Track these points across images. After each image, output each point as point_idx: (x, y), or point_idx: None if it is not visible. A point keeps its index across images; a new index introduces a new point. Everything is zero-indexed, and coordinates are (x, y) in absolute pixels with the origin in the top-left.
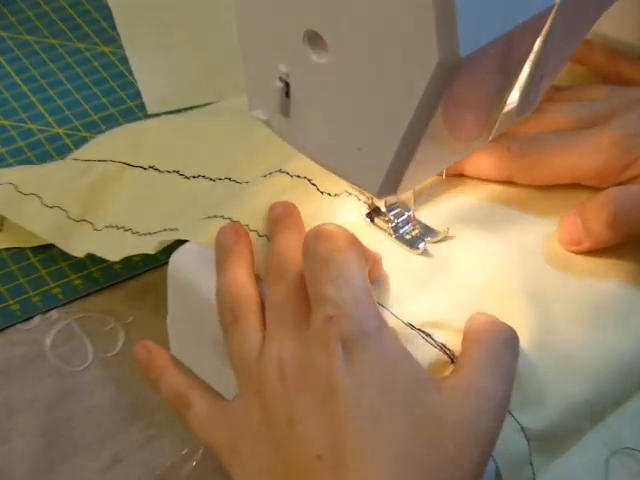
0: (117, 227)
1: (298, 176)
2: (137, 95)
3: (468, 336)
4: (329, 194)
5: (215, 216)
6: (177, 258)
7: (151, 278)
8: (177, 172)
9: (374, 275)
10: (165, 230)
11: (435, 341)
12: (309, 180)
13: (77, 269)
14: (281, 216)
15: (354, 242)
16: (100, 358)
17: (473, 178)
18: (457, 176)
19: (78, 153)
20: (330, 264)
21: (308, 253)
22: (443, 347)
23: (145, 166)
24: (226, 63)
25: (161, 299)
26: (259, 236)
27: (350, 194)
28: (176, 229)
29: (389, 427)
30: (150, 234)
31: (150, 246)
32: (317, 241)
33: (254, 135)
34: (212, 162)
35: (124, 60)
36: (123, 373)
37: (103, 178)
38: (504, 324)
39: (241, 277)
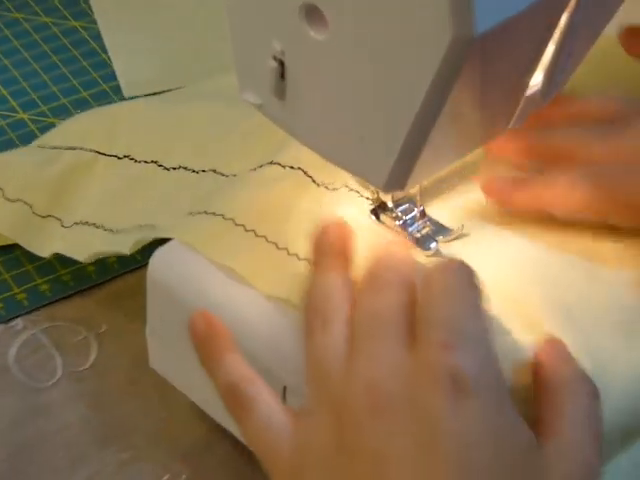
0: (88, 224)
1: (292, 167)
2: (112, 76)
3: (556, 388)
4: (327, 187)
5: (200, 212)
6: (158, 259)
7: (128, 282)
8: (156, 163)
9: None
10: (141, 227)
11: None
12: (304, 172)
13: (44, 272)
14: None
15: (477, 278)
16: (70, 372)
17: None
18: (540, 216)
19: (44, 139)
20: (456, 294)
21: (430, 282)
22: None
23: (120, 155)
24: (213, 40)
25: (139, 306)
26: (245, 231)
27: (351, 190)
28: (153, 226)
29: None
30: (125, 231)
31: (125, 246)
32: (443, 272)
33: (243, 122)
34: (195, 152)
35: (98, 36)
36: (96, 389)
37: (73, 168)
38: (586, 374)
39: (340, 279)
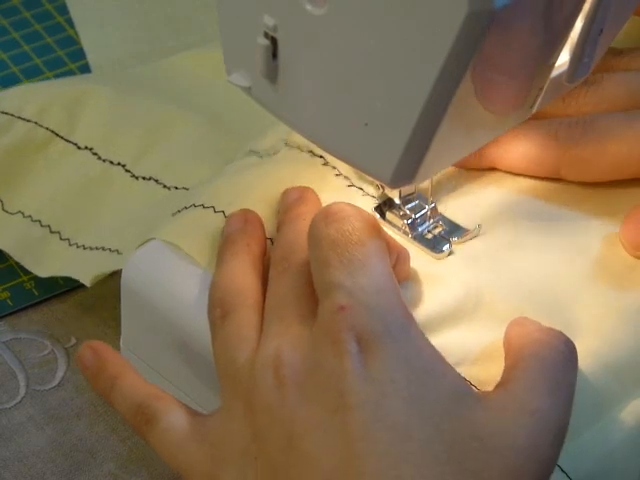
0: (41, 224)
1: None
2: (80, 54)
3: (520, 346)
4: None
5: (188, 206)
6: (133, 263)
7: (100, 289)
8: (123, 166)
9: (400, 276)
10: (104, 250)
11: None
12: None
13: (5, 278)
14: (295, 202)
15: (374, 225)
16: (34, 392)
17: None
18: (487, 170)
19: None
20: (342, 246)
21: (315, 236)
22: None
23: (81, 145)
24: (196, 13)
25: (113, 316)
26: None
27: (290, 149)
28: (116, 251)
29: (416, 448)
30: (84, 248)
31: (86, 274)
32: (327, 222)
33: (233, 139)
34: (170, 166)
35: (64, 9)
36: (64, 411)
37: (25, 144)
38: (560, 333)
39: (240, 269)
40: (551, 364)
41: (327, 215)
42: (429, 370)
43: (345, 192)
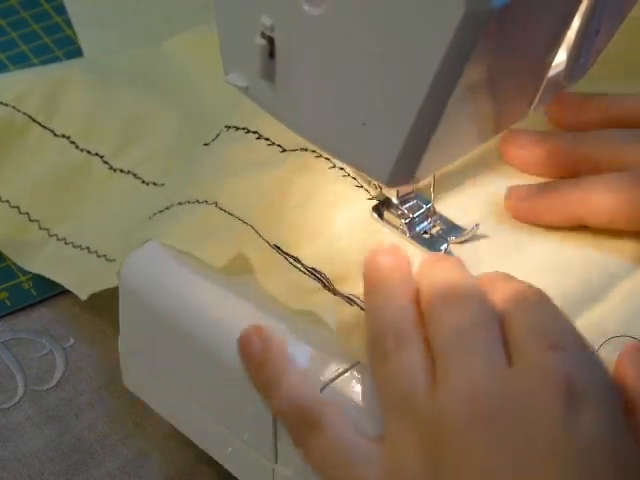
0: (20, 211)
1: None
2: (78, 54)
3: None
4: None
5: (183, 202)
6: (132, 264)
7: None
8: (101, 157)
9: None
10: (90, 251)
11: (304, 266)
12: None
13: (3, 278)
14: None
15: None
16: (33, 392)
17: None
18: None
19: None
20: (541, 304)
21: (508, 295)
22: (314, 271)
23: (58, 132)
24: (194, 13)
25: (111, 316)
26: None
27: (227, 130)
28: (104, 256)
29: None
30: (66, 243)
31: (75, 279)
32: (512, 303)
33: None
34: (149, 161)
35: (61, 9)
36: (63, 411)
37: (1, 128)
38: None
39: (408, 299)
40: None
41: (510, 297)
42: (626, 429)
43: (276, 157)
